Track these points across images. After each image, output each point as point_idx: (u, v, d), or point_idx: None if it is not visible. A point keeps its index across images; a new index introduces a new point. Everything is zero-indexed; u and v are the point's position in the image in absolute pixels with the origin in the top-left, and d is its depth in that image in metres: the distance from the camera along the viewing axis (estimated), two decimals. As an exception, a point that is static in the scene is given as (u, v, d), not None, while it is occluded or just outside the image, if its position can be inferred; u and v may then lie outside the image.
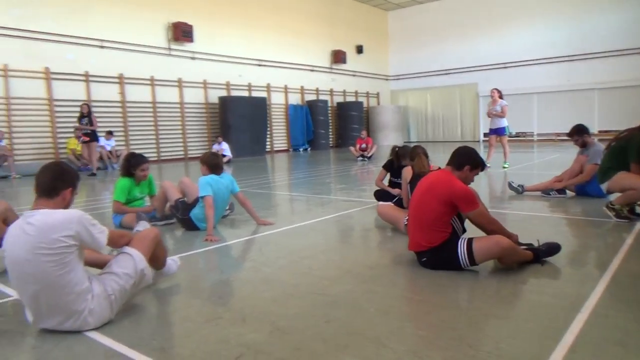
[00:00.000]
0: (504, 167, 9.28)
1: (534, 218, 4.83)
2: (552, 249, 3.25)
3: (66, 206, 2.44)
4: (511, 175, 8.24)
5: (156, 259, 2.86)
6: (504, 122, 9.44)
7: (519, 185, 6.22)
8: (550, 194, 5.95)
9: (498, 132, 9.51)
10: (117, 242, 2.60)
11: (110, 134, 13.07)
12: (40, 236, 2.21)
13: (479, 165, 3.29)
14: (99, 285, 2.39)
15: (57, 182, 2.40)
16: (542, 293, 2.71)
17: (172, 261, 3.16)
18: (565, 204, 5.57)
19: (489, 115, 9.56)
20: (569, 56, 19.19)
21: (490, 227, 3.21)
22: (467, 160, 3.25)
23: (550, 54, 19.55)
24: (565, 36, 19.18)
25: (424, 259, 3.17)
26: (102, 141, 12.76)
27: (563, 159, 10.54)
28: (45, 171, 2.43)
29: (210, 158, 4.72)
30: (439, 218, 3.11)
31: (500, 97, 9.55)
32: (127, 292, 2.51)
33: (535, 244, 3.26)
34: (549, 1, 19.48)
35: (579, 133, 5.93)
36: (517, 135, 20.91)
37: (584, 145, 5.94)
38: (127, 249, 2.60)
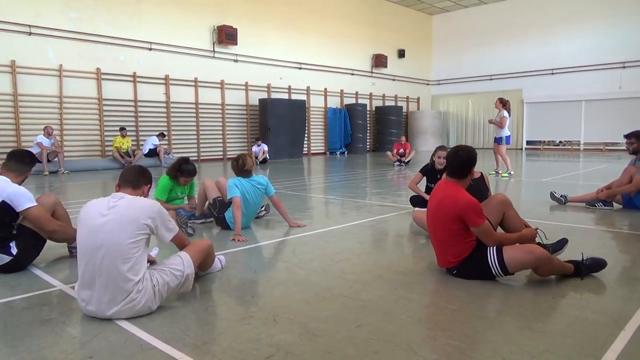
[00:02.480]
0: (490, 173, 9.52)
1: (577, 230, 4.64)
2: (598, 264, 3.09)
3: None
4: (554, 185, 7.96)
5: (204, 266, 3.11)
6: (501, 132, 9.80)
7: (561, 196, 6.00)
8: (595, 206, 5.71)
9: (495, 140, 10.00)
10: (180, 244, 2.88)
11: (162, 135, 13.53)
12: (125, 212, 2.52)
13: (476, 160, 3.17)
14: (147, 274, 2.56)
15: (141, 177, 2.84)
16: (583, 308, 2.60)
17: (217, 260, 3.34)
18: (611, 216, 5.34)
19: (490, 122, 10.35)
20: (621, 62, 18.38)
21: (498, 244, 2.97)
22: (469, 164, 3.11)
23: (601, 60, 18.77)
24: (619, 42, 18.35)
25: (455, 272, 3.10)
26: (155, 140, 13.24)
27: (611, 170, 10.10)
28: (131, 169, 2.90)
29: (232, 164, 4.79)
30: (457, 234, 3.02)
31: (504, 107, 9.85)
32: (169, 290, 2.65)
33: (580, 258, 3.11)
34: (602, 5, 18.74)
35: (639, 137, 5.67)
36: (562, 143, 20.25)
37: (635, 153, 5.68)
38: (181, 253, 2.81)
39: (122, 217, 2.50)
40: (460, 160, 3.11)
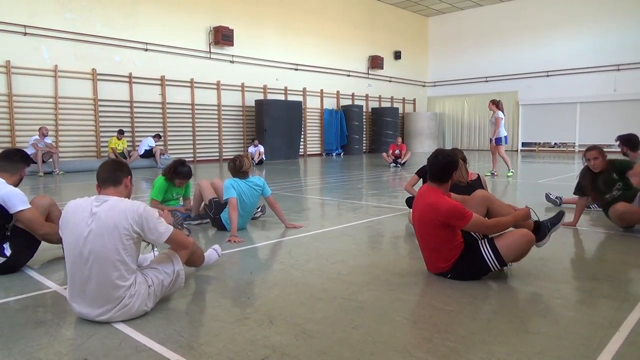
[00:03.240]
0: (486, 175, 9.51)
1: (572, 231, 4.66)
2: (556, 217, 3.30)
3: (129, 193, 2.72)
4: (549, 186, 7.99)
5: (193, 263, 3.11)
6: (498, 133, 9.94)
7: (556, 197, 6.03)
8: (590, 207, 5.73)
9: (495, 141, 10.09)
10: (179, 244, 2.77)
11: (158, 137, 13.50)
12: (107, 220, 2.41)
13: (456, 164, 3.13)
14: (140, 276, 2.55)
15: (118, 172, 2.66)
16: (578, 309, 2.61)
17: (212, 250, 3.36)
18: (606, 218, 5.35)
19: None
20: (616, 65, 18.48)
21: (494, 230, 3.05)
22: (449, 169, 3.07)
23: (596, 63, 18.87)
24: (614, 44, 18.45)
25: (449, 275, 3.10)
26: (151, 141, 13.21)
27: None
28: (105, 166, 2.71)
29: (229, 165, 4.79)
30: (445, 239, 3.01)
31: (498, 107, 10.00)
32: (164, 289, 2.65)
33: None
34: (597, 8, 18.84)
35: (626, 143, 5.66)
36: (558, 145, 20.33)
37: (625, 155, 5.71)
38: (166, 251, 2.80)
39: (104, 224, 2.40)
40: (440, 166, 3.07)
